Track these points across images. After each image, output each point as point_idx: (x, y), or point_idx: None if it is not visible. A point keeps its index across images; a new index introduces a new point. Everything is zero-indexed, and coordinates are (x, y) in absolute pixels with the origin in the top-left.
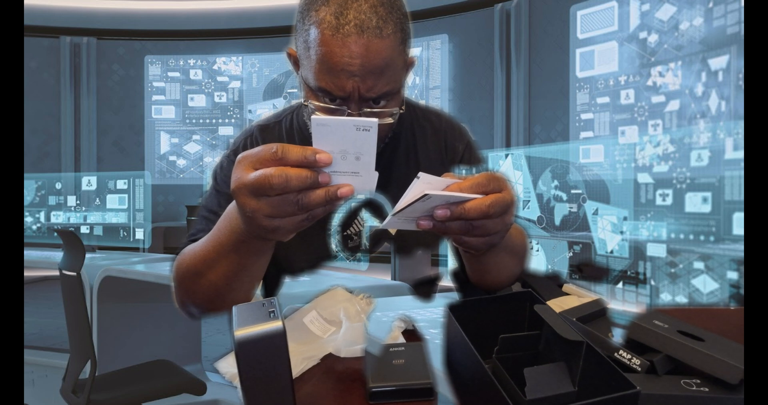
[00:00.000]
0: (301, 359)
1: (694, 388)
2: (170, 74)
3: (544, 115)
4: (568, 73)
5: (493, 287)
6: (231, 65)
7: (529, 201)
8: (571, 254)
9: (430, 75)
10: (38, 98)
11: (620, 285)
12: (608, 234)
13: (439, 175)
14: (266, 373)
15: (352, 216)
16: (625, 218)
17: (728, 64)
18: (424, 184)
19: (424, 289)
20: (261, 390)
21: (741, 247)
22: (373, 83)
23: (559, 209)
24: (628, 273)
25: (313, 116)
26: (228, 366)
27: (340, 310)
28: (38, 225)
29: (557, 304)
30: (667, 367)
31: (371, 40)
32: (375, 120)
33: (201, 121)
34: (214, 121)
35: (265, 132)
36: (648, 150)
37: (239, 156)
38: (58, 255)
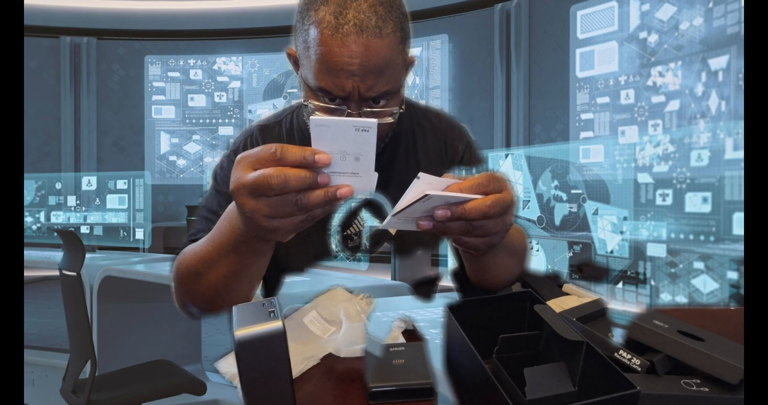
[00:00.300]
0: (301, 359)
1: (694, 388)
2: (170, 74)
3: (544, 115)
4: (568, 73)
5: (493, 287)
6: (231, 65)
7: (529, 201)
8: (571, 254)
9: (430, 75)
10: (38, 98)
11: (620, 285)
12: (608, 234)
13: (439, 175)
14: (266, 373)
15: (352, 216)
16: (625, 218)
17: (728, 64)
18: (424, 185)
19: (424, 289)
20: (261, 390)
21: (741, 247)
22: (372, 83)
23: (559, 209)
24: (628, 273)
25: (312, 117)
26: (228, 366)
27: (340, 310)
28: (38, 225)
29: (557, 304)
30: (667, 367)
31: (371, 39)
32: (374, 120)
33: (201, 121)
34: (214, 121)
35: (265, 132)
36: (648, 150)
37: (238, 156)
38: (58, 255)
